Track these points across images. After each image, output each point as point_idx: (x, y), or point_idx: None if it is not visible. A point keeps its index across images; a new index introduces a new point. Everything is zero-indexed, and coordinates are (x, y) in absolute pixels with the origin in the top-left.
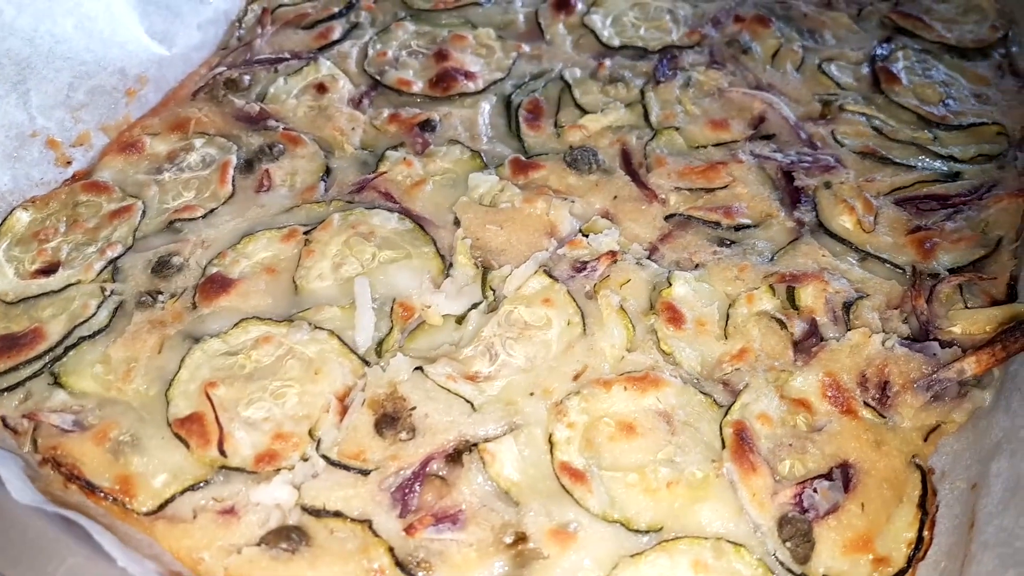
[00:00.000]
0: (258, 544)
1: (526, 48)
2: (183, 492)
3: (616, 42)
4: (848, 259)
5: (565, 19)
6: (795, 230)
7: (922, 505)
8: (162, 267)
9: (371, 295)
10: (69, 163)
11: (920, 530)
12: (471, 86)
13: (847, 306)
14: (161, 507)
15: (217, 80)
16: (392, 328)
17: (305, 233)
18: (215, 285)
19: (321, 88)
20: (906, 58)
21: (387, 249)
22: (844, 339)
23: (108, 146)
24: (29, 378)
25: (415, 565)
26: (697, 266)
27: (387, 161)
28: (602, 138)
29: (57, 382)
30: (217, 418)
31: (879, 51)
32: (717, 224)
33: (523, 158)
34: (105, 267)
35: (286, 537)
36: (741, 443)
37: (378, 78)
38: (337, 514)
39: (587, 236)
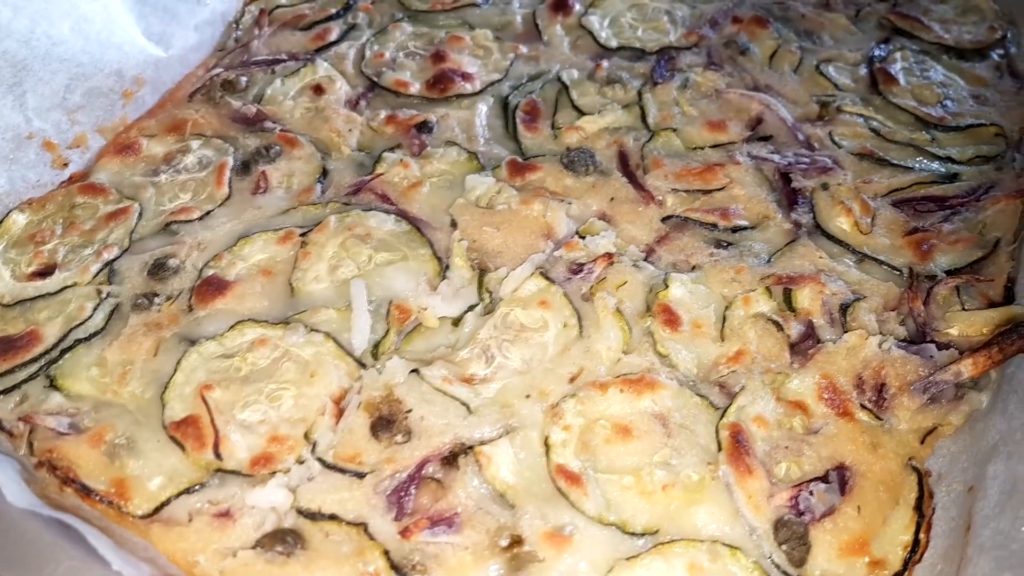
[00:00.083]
0: (253, 547)
1: (523, 49)
2: (179, 495)
3: (614, 43)
4: (845, 261)
5: (563, 20)
6: (792, 232)
7: (918, 508)
8: (158, 269)
9: (367, 297)
10: (65, 165)
11: (916, 533)
12: (468, 87)
13: (844, 308)
14: (157, 510)
15: (214, 81)
16: (388, 330)
17: (301, 235)
18: (211, 287)
19: (318, 89)
20: (904, 59)
21: (383, 251)
22: (841, 341)
23: (105, 148)
24: (25, 381)
25: (410, 568)
26: (694, 268)
27: (384, 163)
28: (599, 140)
29: (53, 385)
30: (213, 421)
31: (877, 52)
32: (714, 226)
33: (520, 160)
34: (101, 269)
35: (281, 540)
36: (737, 445)
37: (375, 79)
38: (332, 517)
39: (584, 238)
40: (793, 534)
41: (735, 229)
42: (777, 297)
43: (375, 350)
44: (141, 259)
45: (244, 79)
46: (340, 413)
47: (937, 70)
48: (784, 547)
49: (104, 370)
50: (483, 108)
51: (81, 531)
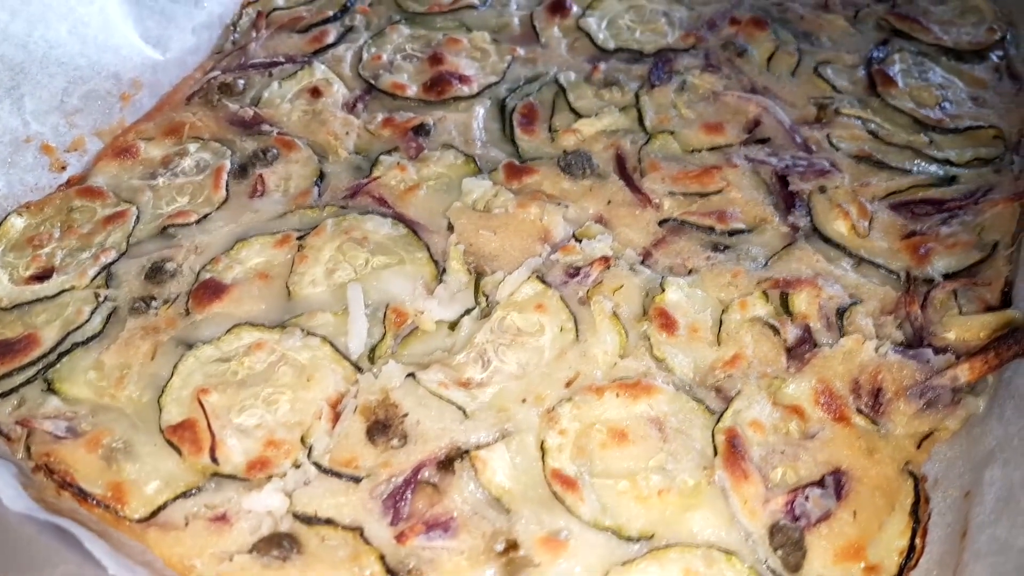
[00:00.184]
0: (249, 551)
1: (521, 51)
2: (175, 499)
3: (611, 45)
4: (842, 264)
5: (560, 22)
6: (789, 235)
7: (914, 513)
8: (156, 273)
9: (364, 301)
10: (64, 168)
11: (912, 538)
12: (465, 90)
13: (841, 312)
14: (153, 514)
15: (211, 84)
16: (385, 334)
17: (298, 239)
18: (208, 291)
19: (315, 92)
20: (903, 61)
21: (380, 255)
22: (837, 345)
23: (102, 151)
24: (23, 384)
25: (406, 573)
26: (690, 272)
27: (381, 166)
28: (596, 142)
29: (51, 388)
30: (209, 425)
31: (875, 54)
32: (711, 229)
33: (517, 163)
34: (99, 273)
35: (277, 544)
36: (733, 450)
37: (372, 82)
38: (328, 521)
39: (580, 241)
40: (788, 539)
41: (732, 232)
42: (774, 301)
43: (372, 354)
44: (139, 263)
45: (241, 82)
46: (336, 417)
47: (936, 72)
48: (779, 552)
49: (101, 374)
50: (480, 111)
51: (78, 535)
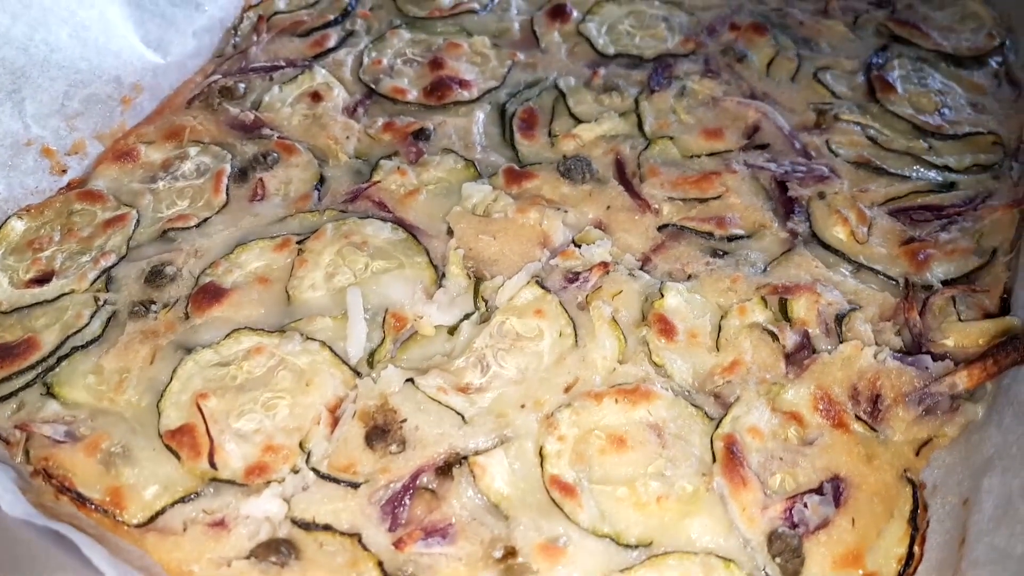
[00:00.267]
0: (247, 557)
1: (521, 56)
2: (174, 504)
3: (611, 50)
4: (841, 270)
5: (560, 27)
6: (788, 241)
7: (913, 520)
8: (155, 276)
9: (363, 305)
10: (64, 171)
11: (910, 546)
12: (466, 95)
13: (840, 318)
14: (152, 519)
15: (212, 88)
16: (384, 339)
17: (298, 243)
18: (208, 295)
19: (316, 96)
20: (902, 67)
21: (380, 259)
22: (836, 352)
23: (103, 154)
24: (22, 388)
25: None
26: (689, 277)
27: (381, 170)
28: (596, 147)
29: (50, 392)
30: (208, 430)
31: (875, 60)
32: (710, 235)
33: (517, 167)
34: (99, 276)
35: (275, 550)
36: (731, 457)
37: (373, 86)
38: (327, 527)
39: (580, 247)
40: (787, 546)
41: (731, 238)
42: (773, 307)
43: (371, 359)
44: (138, 266)
45: (242, 86)
46: (335, 422)
47: (935, 78)
48: (778, 560)
49: (101, 378)
50: (480, 115)
51: (76, 541)
